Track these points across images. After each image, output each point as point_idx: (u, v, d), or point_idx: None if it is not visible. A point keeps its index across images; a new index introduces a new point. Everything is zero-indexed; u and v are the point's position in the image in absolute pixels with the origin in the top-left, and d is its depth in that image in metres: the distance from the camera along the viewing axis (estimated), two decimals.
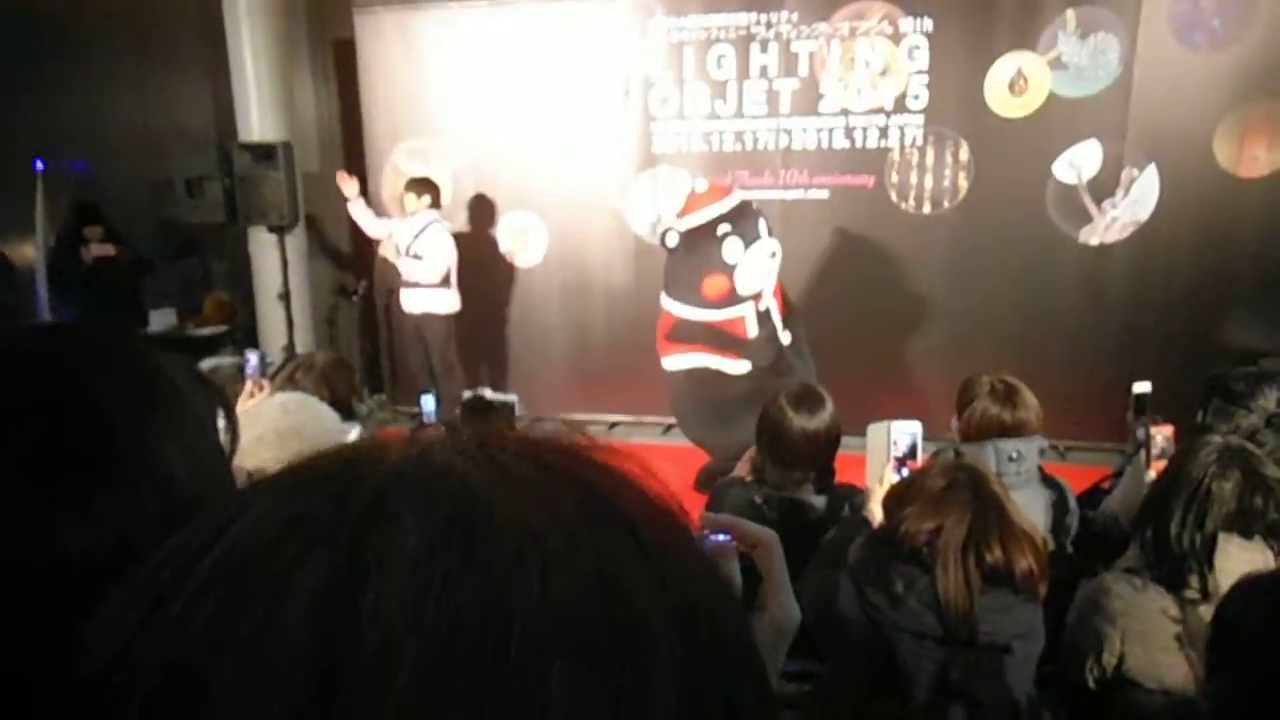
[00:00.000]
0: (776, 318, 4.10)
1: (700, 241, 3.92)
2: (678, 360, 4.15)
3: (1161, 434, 2.32)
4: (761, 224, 4.00)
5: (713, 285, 3.91)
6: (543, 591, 0.26)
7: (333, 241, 6.19)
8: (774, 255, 3.98)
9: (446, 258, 4.94)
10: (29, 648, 0.39)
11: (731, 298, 3.93)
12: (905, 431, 2.04)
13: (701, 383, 4.10)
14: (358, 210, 5.10)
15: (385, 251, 5.07)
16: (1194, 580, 1.72)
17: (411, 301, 5.04)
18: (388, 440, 0.32)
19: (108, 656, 0.26)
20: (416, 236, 4.91)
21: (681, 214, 4.05)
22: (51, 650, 0.28)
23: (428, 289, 4.97)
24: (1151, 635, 1.74)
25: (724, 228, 3.90)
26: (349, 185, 5.03)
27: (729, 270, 3.88)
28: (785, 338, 4.13)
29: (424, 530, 0.26)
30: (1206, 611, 1.68)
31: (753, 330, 4.01)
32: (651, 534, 0.29)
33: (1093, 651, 1.80)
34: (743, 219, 3.95)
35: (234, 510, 0.29)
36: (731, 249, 3.88)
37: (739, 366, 4.02)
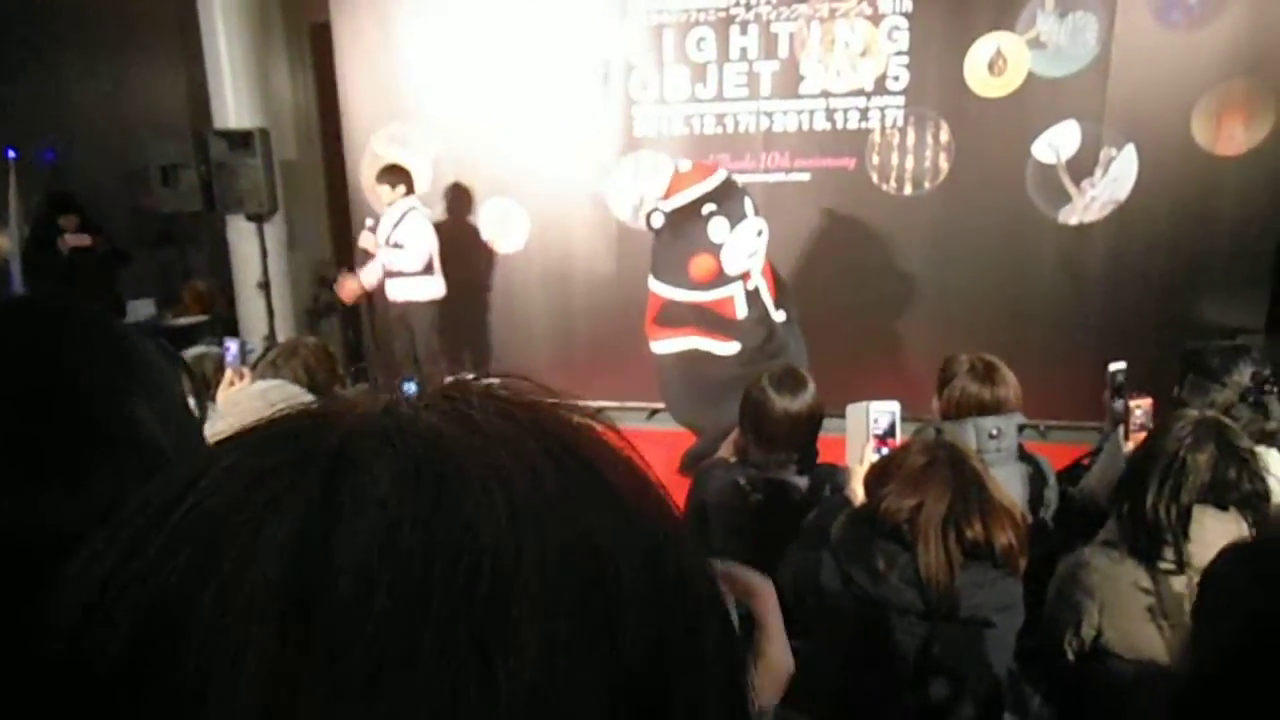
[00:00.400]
0: (767, 297, 4.08)
1: (685, 222, 3.90)
2: (667, 344, 4.13)
3: (1140, 407, 2.35)
4: (747, 202, 3.97)
5: (700, 266, 3.90)
6: (511, 529, 0.26)
7: (312, 230, 6.13)
8: (760, 233, 3.96)
9: (428, 244, 4.91)
10: (22, 625, 0.39)
11: (719, 278, 3.91)
12: (884, 411, 2.05)
13: (692, 364, 4.09)
14: (365, 281, 4.98)
15: (365, 243, 5.02)
16: (1169, 552, 1.74)
17: (396, 290, 5.01)
18: (354, 398, 0.32)
19: (82, 606, 0.27)
20: (396, 225, 4.88)
21: (666, 195, 4.02)
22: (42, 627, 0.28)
23: (411, 277, 4.94)
24: (1127, 607, 1.77)
25: (709, 207, 3.88)
26: (347, 286, 4.96)
27: (715, 250, 3.86)
28: (779, 316, 4.10)
29: (392, 475, 0.27)
30: (1180, 583, 1.71)
31: (742, 311, 3.99)
32: (615, 476, 0.31)
33: (1072, 624, 1.83)
34: (728, 198, 3.92)
35: (204, 462, 0.29)
36: (717, 228, 3.86)
37: (729, 348, 4.00)
